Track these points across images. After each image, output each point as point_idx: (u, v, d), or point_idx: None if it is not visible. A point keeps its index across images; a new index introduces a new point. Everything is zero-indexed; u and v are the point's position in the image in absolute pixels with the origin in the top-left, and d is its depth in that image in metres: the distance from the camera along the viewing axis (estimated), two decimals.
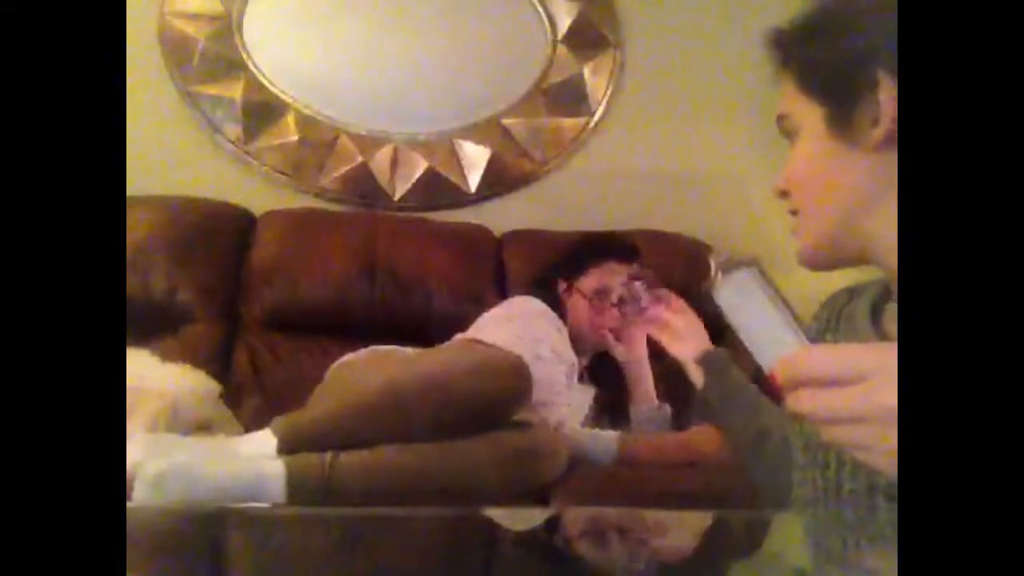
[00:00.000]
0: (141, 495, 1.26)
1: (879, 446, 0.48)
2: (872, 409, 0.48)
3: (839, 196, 0.74)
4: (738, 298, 0.54)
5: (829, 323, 0.82)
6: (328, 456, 1.40)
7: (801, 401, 0.51)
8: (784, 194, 0.79)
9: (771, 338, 0.53)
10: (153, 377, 1.59)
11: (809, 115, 0.75)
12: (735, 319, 0.55)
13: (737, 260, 0.55)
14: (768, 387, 0.56)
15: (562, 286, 1.98)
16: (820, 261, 0.78)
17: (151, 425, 1.48)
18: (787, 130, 0.79)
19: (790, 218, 0.79)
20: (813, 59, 0.75)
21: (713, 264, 0.55)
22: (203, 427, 1.59)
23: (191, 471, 1.31)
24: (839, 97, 0.73)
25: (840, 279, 0.85)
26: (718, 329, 1.01)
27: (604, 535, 0.56)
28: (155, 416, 1.50)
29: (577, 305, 1.94)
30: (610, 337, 1.92)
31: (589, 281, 1.94)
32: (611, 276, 1.92)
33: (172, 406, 1.54)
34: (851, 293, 0.83)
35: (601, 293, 1.91)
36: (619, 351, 1.92)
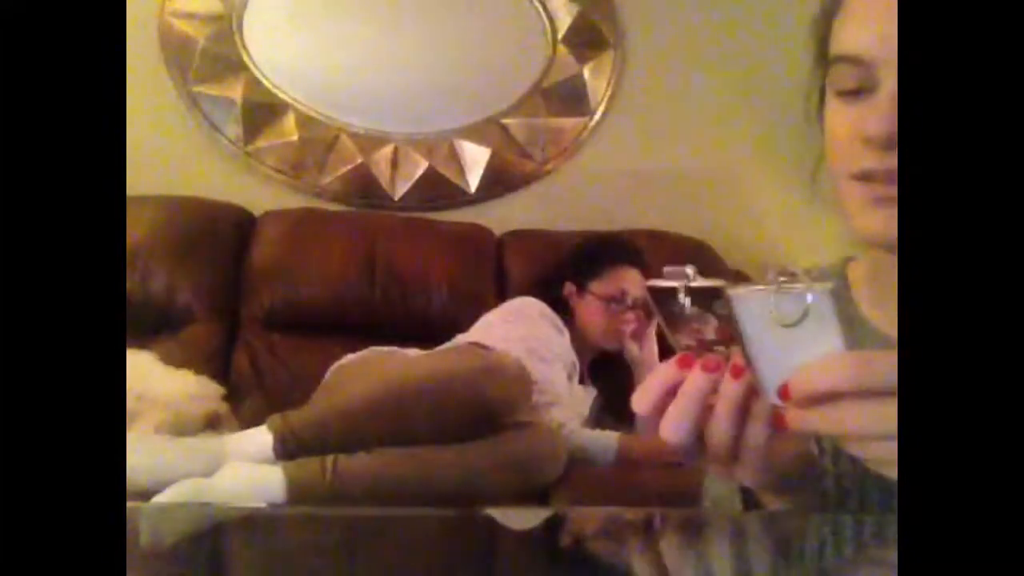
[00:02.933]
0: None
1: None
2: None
3: None
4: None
5: None
6: (329, 464, 1.40)
7: (823, 417, 0.45)
8: None
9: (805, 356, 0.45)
10: (156, 383, 1.59)
11: None
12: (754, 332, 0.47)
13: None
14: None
15: (570, 288, 1.99)
16: None
17: (156, 432, 1.49)
18: None
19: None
20: None
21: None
22: (208, 427, 1.59)
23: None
24: None
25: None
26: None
27: (615, 534, 0.56)
28: (159, 424, 1.50)
29: (591, 308, 1.96)
30: (628, 338, 1.95)
31: (604, 285, 1.96)
32: (626, 280, 1.94)
33: (176, 413, 1.54)
34: None
35: (619, 297, 1.93)
36: (633, 351, 1.95)
